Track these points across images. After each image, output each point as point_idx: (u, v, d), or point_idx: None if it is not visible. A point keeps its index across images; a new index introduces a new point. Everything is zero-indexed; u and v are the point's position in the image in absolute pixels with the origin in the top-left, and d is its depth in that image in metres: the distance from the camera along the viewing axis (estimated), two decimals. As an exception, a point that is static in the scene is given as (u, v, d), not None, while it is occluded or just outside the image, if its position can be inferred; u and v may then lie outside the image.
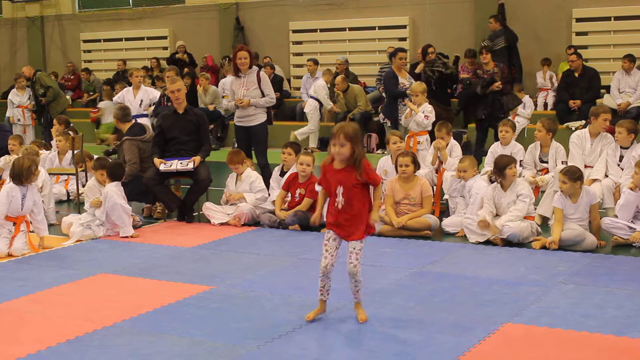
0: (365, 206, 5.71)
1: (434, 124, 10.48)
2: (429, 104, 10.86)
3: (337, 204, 5.65)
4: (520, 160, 9.57)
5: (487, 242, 8.23)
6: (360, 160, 5.58)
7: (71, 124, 13.04)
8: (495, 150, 9.81)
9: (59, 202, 11.29)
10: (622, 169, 9.04)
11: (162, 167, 9.59)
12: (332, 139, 5.57)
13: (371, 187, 5.74)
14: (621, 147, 9.13)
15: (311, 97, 16.80)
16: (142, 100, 12.58)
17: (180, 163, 9.60)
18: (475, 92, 13.14)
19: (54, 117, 14.22)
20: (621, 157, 9.10)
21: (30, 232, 8.43)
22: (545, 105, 16.35)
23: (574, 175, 8.04)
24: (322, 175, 5.77)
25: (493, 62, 13.44)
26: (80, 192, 10.56)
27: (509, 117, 13.12)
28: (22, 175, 8.18)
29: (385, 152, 10.19)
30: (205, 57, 19.93)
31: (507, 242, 8.13)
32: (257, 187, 9.65)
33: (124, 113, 10.64)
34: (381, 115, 12.58)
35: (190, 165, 9.57)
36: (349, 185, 5.61)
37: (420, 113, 10.52)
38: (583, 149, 9.36)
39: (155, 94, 12.65)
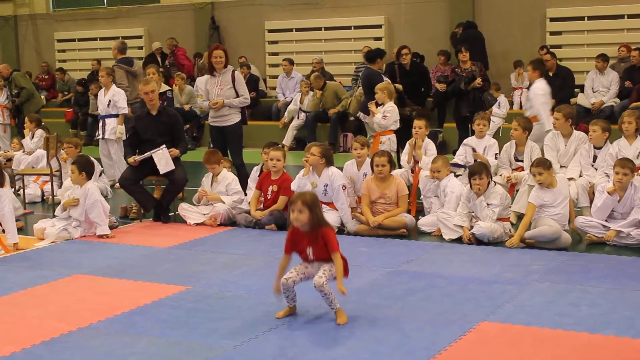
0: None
1: (410, 122, 10.51)
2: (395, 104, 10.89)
3: (308, 257, 5.87)
4: (496, 154, 9.67)
5: (462, 241, 8.27)
6: (320, 221, 5.78)
7: (42, 123, 12.96)
8: (469, 143, 9.89)
9: (33, 203, 11.24)
10: (596, 169, 9.12)
11: (137, 158, 9.55)
12: (291, 205, 5.79)
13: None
14: (595, 148, 9.20)
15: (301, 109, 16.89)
16: (110, 101, 12.50)
17: (151, 151, 9.56)
18: (458, 89, 13.18)
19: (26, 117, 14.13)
20: (595, 158, 9.17)
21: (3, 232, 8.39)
22: (521, 104, 16.43)
23: (545, 164, 8.19)
24: (290, 237, 5.92)
25: (470, 60, 13.51)
26: (55, 194, 10.50)
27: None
28: None
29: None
30: (175, 49, 19.86)
31: (482, 241, 8.18)
32: (233, 189, 9.63)
33: (123, 46, 13.56)
34: (361, 113, 12.45)
35: (162, 147, 9.52)
36: (318, 246, 5.80)
37: (379, 114, 10.56)
38: (557, 150, 9.45)
39: (121, 93, 12.57)
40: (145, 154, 9.57)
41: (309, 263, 5.87)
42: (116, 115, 12.44)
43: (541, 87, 11.00)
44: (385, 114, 10.56)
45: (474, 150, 9.80)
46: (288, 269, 5.87)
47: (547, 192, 8.15)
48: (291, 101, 17.40)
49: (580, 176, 9.18)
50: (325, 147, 9.35)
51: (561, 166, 9.31)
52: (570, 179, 9.06)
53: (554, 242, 7.92)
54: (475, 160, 9.57)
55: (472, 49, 13.92)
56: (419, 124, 9.91)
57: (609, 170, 8.68)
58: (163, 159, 9.53)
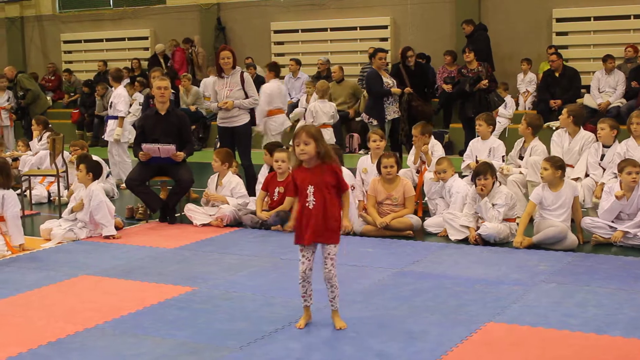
0: (337, 208, 5.64)
1: (413, 123, 10.57)
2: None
3: (307, 204, 5.57)
4: (503, 156, 9.67)
5: (469, 242, 8.26)
6: (328, 154, 5.55)
7: (50, 125, 12.99)
8: (474, 145, 9.91)
9: (40, 204, 11.26)
10: (604, 169, 9.09)
11: (144, 145, 9.55)
12: (296, 139, 5.52)
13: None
14: (603, 146, 9.18)
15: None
16: (111, 102, 12.55)
17: (162, 145, 9.58)
18: (463, 90, 13.20)
19: (33, 119, 14.18)
20: (602, 157, 9.15)
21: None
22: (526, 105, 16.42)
23: (556, 163, 8.15)
24: (292, 179, 5.71)
25: (477, 61, 13.51)
26: (61, 194, 10.52)
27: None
28: None
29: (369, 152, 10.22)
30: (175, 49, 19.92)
31: (488, 242, 8.17)
32: (237, 192, 9.62)
33: None
34: (364, 115, 12.62)
35: (173, 147, 9.52)
36: (321, 184, 5.54)
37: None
38: (562, 147, 9.45)
39: (121, 96, 12.58)
40: (154, 144, 9.54)
41: (305, 211, 5.58)
42: (115, 117, 12.48)
43: (268, 86, 12.41)
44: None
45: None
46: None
47: (549, 193, 8.14)
48: (297, 102, 17.37)
49: (586, 176, 9.16)
50: (336, 147, 9.36)
51: (566, 164, 9.27)
52: (576, 179, 9.05)
53: (561, 242, 7.90)
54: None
55: (478, 51, 13.92)
56: (414, 132, 9.91)
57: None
58: (169, 150, 9.56)
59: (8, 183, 8.44)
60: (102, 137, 13.62)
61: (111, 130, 12.52)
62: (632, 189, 8.04)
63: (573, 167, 9.27)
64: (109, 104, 12.64)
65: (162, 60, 19.73)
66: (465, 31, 16.34)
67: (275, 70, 12.72)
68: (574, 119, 9.44)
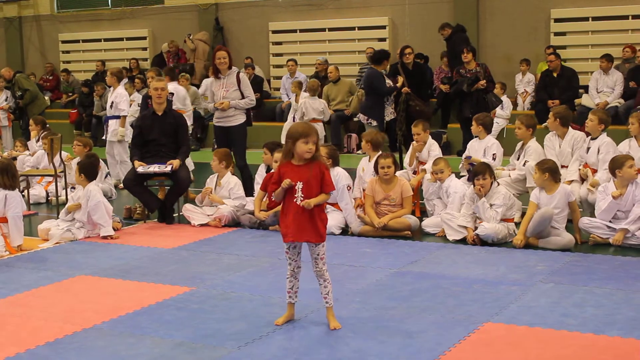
0: (323, 206, 5.75)
1: (410, 123, 10.57)
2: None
3: (295, 199, 5.60)
4: (494, 154, 9.64)
5: (467, 242, 8.26)
6: (319, 152, 5.66)
7: (47, 125, 12.99)
8: (472, 144, 9.94)
9: (38, 204, 11.26)
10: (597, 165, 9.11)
11: (140, 170, 9.57)
12: (303, 137, 5.55)
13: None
14: (591, 139, 9.21)
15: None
16: (112, 102, 12.55)
17: (159, 167, 9.58)
18: (461, 90, 13.19)
19: (30, 119, 14.17)
20: (588, 149, 9.19)
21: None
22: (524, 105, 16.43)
23: (542, 166, 8.18)
24: (279, 173, 5.70)
25: (475, 61, 13.50)
26: (59, 194, 10.52)
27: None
28: None
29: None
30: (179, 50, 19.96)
31: (486, 242, 8.17)
32: (235, 193, 9.61)
33: None
34: (361, 115, 12.50)
35: (169, 168, 9.55)
36: (310, 181, 5.58)
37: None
38: (554, 150, 9.47)
39: (123, 95, 12.57)
40: (149, 170, 9.56)
41: (291, 206, 5.61)
42: (118, 117, 12.47)
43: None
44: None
45: (468, 157, 9.75)
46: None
47: (544, 195, 8.16)
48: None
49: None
50: (332, 147, 9.37)
51: (562, 166, 9.27)
52: (571, 181, 9.06)
53: (548, 226, 7.95)
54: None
55: (460, 52, 13.90)
56: (416, 130, 9.92)
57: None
58: (165, 169, 9.60)
59: (13, 184, 8.43)
60: (102, 137, 13.60)
61: (114, 130, 12.51)
62: (627, 185, 8.04)
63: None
64: (110, 104, 12.62)
65: (167, 59, 19.75)
66: (443, 35, 16.31)
67: (171, 74, 12.78)
68: (561, 121, 9.47)
